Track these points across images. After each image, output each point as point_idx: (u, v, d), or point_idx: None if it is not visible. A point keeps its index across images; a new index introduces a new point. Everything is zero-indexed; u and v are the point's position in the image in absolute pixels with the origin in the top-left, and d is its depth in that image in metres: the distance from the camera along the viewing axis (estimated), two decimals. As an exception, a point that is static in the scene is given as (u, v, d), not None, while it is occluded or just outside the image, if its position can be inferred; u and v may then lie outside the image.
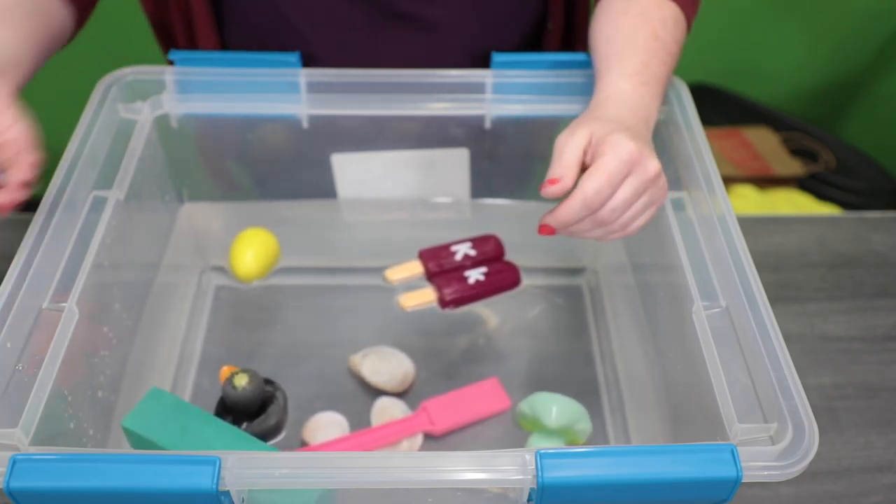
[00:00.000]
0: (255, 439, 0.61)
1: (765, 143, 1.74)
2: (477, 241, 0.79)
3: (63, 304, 0.55)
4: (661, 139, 0.71)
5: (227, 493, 0.45)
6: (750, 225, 0.96)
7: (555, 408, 0.68)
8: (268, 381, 0.72)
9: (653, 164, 0.57)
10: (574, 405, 0.69)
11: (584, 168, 0.57)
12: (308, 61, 0.73)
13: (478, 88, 0.73)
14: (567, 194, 0.56)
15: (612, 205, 0.56)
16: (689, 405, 0.61)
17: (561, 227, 0.58)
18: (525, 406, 0.70)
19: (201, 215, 0.86)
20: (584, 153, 0.57)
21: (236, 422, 0.69)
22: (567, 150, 0.57)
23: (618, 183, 0.56)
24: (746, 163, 1.69)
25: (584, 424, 0.70)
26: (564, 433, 0.70)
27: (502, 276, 0.77)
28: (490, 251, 0.79)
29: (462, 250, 0.78)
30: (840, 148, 1.75)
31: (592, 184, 0.55)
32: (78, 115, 0.68)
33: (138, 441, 0.61)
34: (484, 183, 0.83)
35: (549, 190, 0.56)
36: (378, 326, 0.85)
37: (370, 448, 0.72)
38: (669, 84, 0.72)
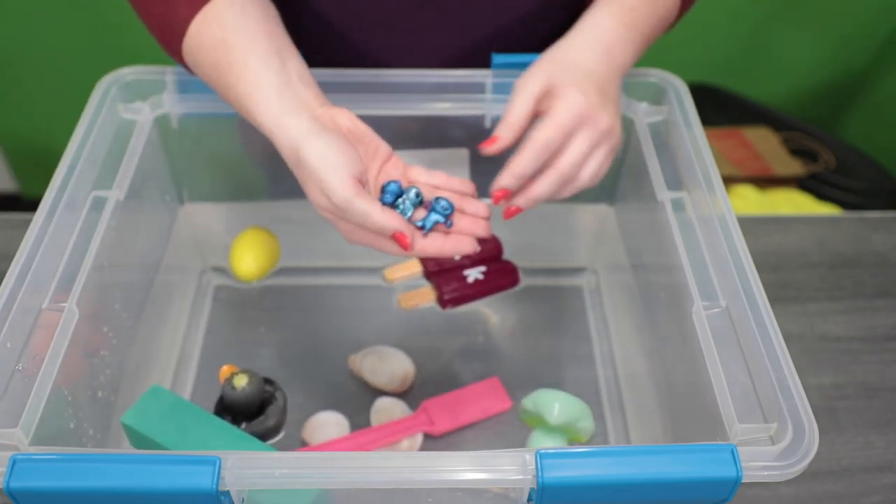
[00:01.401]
0: (253, 439, 0.61)
1: (765, 143, 1.74)
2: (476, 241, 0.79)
3: (63, 304, 0.55)
4: (662, 139, 0.71)
5: (227, 493, 0.45)
6: (750, 225, 0.96)
7: (557, 405, 0.68)
8: (268, 381, 0.72)
9: (604, 118, 0.57)
10: (577, 403, 0.69)
11: (537, 114, 0.58)
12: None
13: (478, 88, 0.72)
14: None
15: (571, 158, 0.57)
16: (689, 405, 0.61)
17: (515, 179, 0.57)
18: (528, 402, 0.70)
19: (201, 215, 0.86)
20: (539, 101, 0.58)
21: (235, 422, 0.69)
22: (516, 104, 0.58)
23: (569, 134, 0.56)
24: (746, 163, 1.69)
25: (587, 423, 0.70)
26: (567, 431, 0.70)
27: (501, 275, 0.77)
28: (489, 250, 0.79)
29: (462, 250, 0.78)
30: (840, 148, 1.75)
31: (542, 135, 0.56)
32: (78, 115, 0.68)
33: (137, 438, 0.62)
34: (484, 183, 0.82)
35: (487, 149, 0.58)
36: (378, 326, 0.85)
37: (370, 448, 0.72)
38: (669, 84, 0.73)
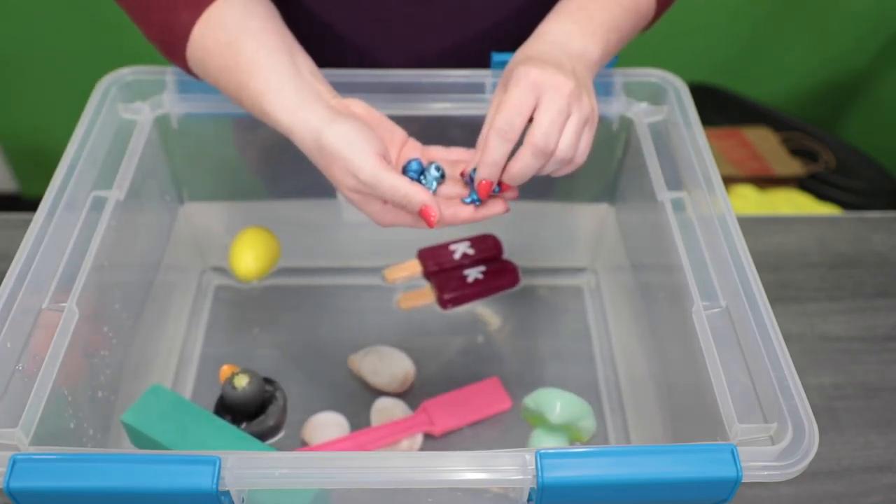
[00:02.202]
0: (253, 439, 0.61)
1: (765, 143, 1.74)
2: (475, 240, 0.79)
3: (63, 304, 0.55)
4: (662, 139, 0.71)
5: (227, 493, 0.45)
6: (750, 225, 0.96)
7: (559, 403, 0.68)
8: (268, 381, 0.72)
9: (563, 81, 0.56)
10: (579, 402, 0.69)
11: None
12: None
13: (478, 88, 0.73)
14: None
15: (541, 128, 0.55)
16: (689, 405, 0.61)
17: (490, 167, 0.57)
18: (530, 401, 0.70)
19: (201, 215, 0.86)
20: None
21: (235, 422, 0.69)
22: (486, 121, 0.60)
23: (528, 108, 0.56)
24: (746, 163, 1.69)
25: (588, 422, 0.70)
26: (568, 430, 0.70)
27: (501, 275, 0.77)
28: (488, 250, 0.79)
29: (461, 249, 0.78)
30: (840, 148, 1.75)
31: (500, 117, 0.55)
32: (78, 115, 0.68)
33: (137, 437, 0.62)
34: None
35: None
36: (378, 326, 0.85)
37: (370, 448, 0.72)
38: (669, 84, 0.72)
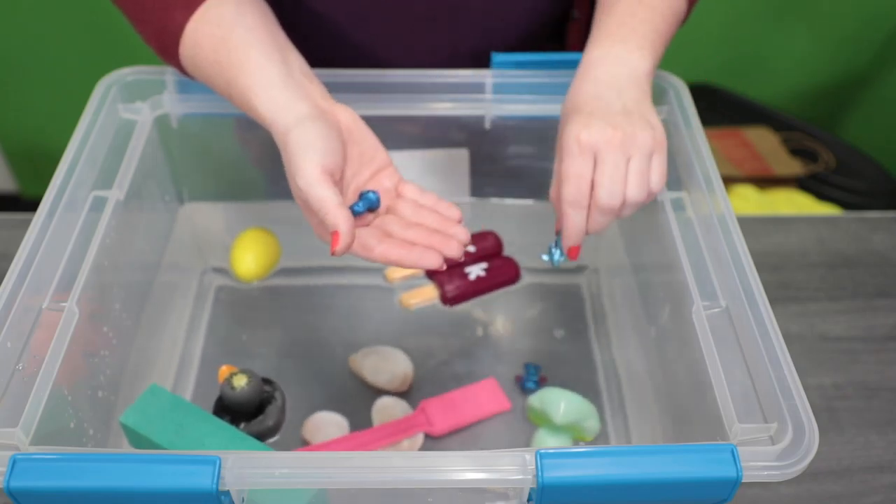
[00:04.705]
0: (251, 438, 0.61)
1: (765, 143, 1.74)
2: (476, 238, 0.80)
3: (63, 304, 0.55)
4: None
5: (227, 493, 0.45)
6: (750, 225, 0.96)
7: (563, 403, 0.68)
8: (266, 381, 0.72)
9: (610, 134, 0.57)
10: (583, 402, 0.69)
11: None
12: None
13: (478, 88, 0.73)
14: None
15: (605, 190, 0.57)
16: (689, 405, 0.61)
17: (575, 237, 0.60)
18: (535, 400, 0.70)
19: (201, 215, 0.86)
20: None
21: (234, 422, 0.69)
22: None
23: (589, 172, 0.57)
24: (746, 163, 1.69)
25: (592, 422, 0.70)
26: (572, 429, 0.70)
27: (503, 271, 0.78)
28: (489, 247, 0.79)
29: (462, 249, 0.78)
30: (840, 148, 1.75)
31: (567, 191, 0.58)
32: (78, 115, 0.68)
33: (136, 437, 0.62)
34: (484, 183, 0.83)
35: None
36: (378, 326, 0.85)
37: (370, 448, 0.72)
38: (669, 84, 0.72)
